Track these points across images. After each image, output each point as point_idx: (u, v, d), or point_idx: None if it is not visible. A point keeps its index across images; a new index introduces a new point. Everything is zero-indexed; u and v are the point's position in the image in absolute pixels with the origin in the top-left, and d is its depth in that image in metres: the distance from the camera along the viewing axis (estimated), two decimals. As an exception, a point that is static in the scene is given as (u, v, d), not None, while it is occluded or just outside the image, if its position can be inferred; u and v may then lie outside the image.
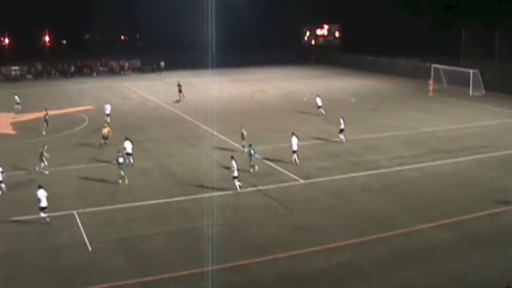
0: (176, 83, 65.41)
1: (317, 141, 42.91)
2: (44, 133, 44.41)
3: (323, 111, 51.81)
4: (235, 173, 31.23)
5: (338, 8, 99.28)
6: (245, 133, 39.47)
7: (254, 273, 22.37)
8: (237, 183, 31.38)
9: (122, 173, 33.25)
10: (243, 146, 38.82)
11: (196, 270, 22.30)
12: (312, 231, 26.15)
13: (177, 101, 62.59)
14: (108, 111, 51.75)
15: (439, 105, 58.27)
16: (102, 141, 41.22)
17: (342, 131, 41.85)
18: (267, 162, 37.12)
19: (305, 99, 61.63)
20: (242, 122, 46.80)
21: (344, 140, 41.59)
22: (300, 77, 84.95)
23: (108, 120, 49.86)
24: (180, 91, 64.30)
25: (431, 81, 66.61)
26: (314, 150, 40.14)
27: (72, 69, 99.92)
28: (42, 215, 27.61)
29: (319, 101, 52.52)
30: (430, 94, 64.57)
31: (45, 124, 47.45)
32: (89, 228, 26.80)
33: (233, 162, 31.32)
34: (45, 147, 36.33)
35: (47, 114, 48.78)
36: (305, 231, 26.07)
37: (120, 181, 33.15)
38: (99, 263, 23.50)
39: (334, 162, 37.28)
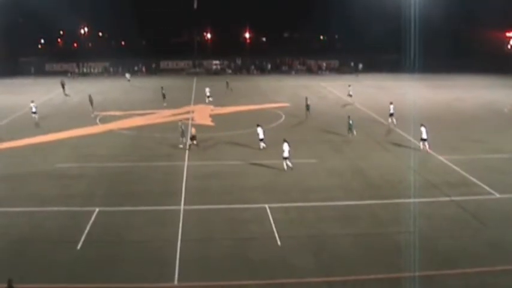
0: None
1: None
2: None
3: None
4: None
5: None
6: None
7: (441, 284, 22.01)
8: None
9: None
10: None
11: (382, 275, 22.43)
12: (506, 249, 25.03)
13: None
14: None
15: None
16: (190, 142, 42.42)
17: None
18: (462, 172, 36.13)
19: (506, 110, 58.70)
20: (436, 129, 46.02)
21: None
22: (502, 86, 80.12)
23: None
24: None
25: None
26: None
27: (269, 66, 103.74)
28: (285, 164, 36.21)
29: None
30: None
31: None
32: (279, 223, 27.66)
33: None
34: (182, 125, 43.88)
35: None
36: (498, 248, 25.03)
37: None
38: (286, 258, 24.06)
39: (536, 179, 35.09)
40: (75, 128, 50.48)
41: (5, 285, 19.53)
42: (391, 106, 51.36)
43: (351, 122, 45.97)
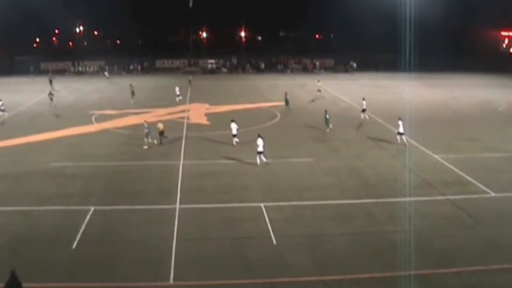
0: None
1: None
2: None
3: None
4: None
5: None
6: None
7: (436, 283, 22.01)
8: None
9: None
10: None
11: (378, 274, 22.40)
12: (501, 247, 25.03)
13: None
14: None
15: None
16: (160, 137, 43.43)
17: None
18: (457, 171, 36.18)
19: (501, 109, 58.89)
20: (432, 128, 46.15)
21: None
22: (498, 85, 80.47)
23: None
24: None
25: None
26: (510, 163, 38.35)
27: (262, 65, 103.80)
28: (259, 159, 36.93)
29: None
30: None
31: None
32: (274, 222, 27.62)
33: None
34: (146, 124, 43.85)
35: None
36: (493, 247, 25.05)
37: None
38: (282, 257, 23.99)
39: (532, 177, 35.12)
40: (70, 126, 50.36)
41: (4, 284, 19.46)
42: (364, 102, 53.80)
43: (327, 116, 47.55)
